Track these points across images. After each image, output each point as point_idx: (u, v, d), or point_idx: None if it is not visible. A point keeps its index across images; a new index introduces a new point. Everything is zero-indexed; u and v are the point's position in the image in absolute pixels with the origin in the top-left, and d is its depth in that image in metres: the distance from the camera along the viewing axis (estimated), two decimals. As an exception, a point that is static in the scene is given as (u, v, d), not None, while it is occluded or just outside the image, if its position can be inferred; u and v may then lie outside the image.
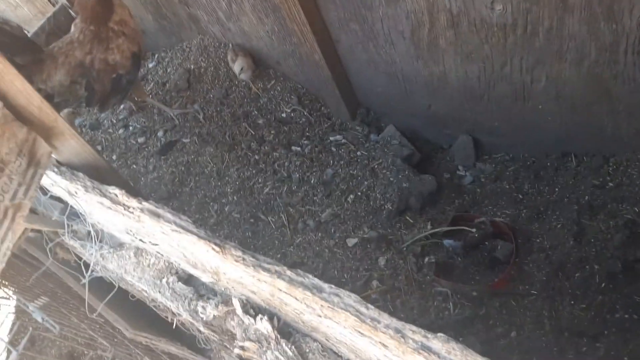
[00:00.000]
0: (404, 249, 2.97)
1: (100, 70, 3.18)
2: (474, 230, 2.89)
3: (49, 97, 3.16)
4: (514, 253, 2.75)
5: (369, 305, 1.20)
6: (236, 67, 3.65)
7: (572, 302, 2.51)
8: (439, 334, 1.11)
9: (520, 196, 3.01)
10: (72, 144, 1.67)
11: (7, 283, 2.69)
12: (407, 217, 3.10)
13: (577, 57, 2.38)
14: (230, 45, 3.76)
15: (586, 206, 2.73)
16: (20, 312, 2.61)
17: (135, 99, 3.80)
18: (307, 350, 1.50)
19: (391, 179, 3.19)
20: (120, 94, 3.37)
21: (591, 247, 2.61)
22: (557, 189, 2.91)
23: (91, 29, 3.12)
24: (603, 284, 2.48)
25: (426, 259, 2.91)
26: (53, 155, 1.72)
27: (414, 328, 1.12)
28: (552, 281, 2.60)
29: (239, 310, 1.61)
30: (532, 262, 2.72)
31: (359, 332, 1.22)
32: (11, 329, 2.60)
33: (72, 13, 4.24)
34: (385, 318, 1.17)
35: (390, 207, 3.10)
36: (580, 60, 2.39)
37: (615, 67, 2.35)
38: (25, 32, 4.89)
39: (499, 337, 2.55)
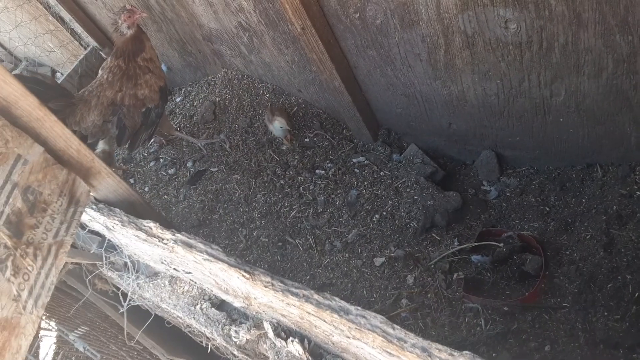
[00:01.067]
0: (432, 266, 2.98)
1: (130, 105, 3.35)
2: (501, 245, 2.89)
3: (82, 138, 3.34)
4: (543, 266, 2.73)
5: (395, 326, 1.24)
6: (275, 126, 3.59)
7: (606, 313, 2.47)
8: (465, 352, 1.14)
9: (547, 209, 3.00)
10: (109, 182, 1.77)
11: (48, 315, 2.80)
12: (434, 234, 3.12)
13: (594, 70, 2.39)
14: (269, 105, 3.82)
15: (614, 216, 2.71)
16: (62, 343, 2.72)
17: (165, 133, 3.95)
18: (338, 371, 1.54)
19: (415, 197, 3.22)
20: (149, 129, 3.53)
21: (622, 257, 2.58)
22: (584, 200, 2.89)
23: (120, 66, 3.30)
24: (636, 294, 2.44)
25: (455, 276, 2.91)
26: (91, 194, 1.82)
27: (440, 347, 1.16)
28: (584, 293, 2.57)
29: (270, 334, 1.66)
30: (562, 274, 2.70)
31: (387, 351, 1.26)
32: (54, 359, 2.70)
33: (103, 55, 4.46)
34: (412, 338, 1.21)
35: (415, 225, 3.13)
36: (598, 73, 2.40)
37: (634, 78, 2.36)
38: (59, 74, 5.15)
39: (533, 351, 2.53)
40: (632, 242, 2.59)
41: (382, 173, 3.43)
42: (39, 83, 3.19)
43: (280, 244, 3.37)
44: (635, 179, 2.75)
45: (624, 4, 2.06)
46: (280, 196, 3.54)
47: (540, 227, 2.94)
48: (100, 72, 3.42)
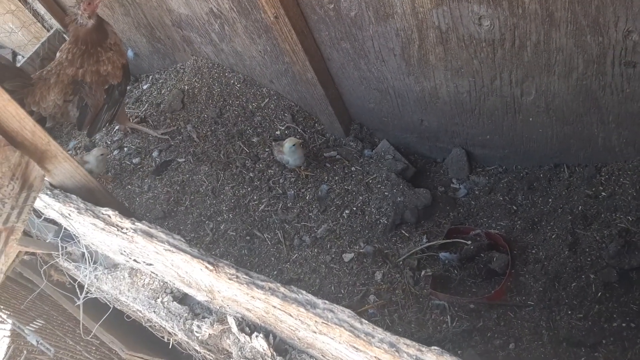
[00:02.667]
0: (400, 262, 2.97)
1: (92, 82, 3.24)
2: (469, 242, 2.90)
3: (41, 120, 3.21)
4: (509, 264, 2.75)
5: (363, 320, 1.21)
6: (287, 145, 3.26)
7: (570, 312, 2.51)
8: (433, 347, 1.11)
9: (515, 208, 3.03)
10: (66, 167, 1.68)
11: (1, 306, 2.67)
12: (403, 231, 3.11)
13: (565, 69, 2.41)
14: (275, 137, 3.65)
15: (580, 216, 2.75)
16: (15, 336, 2.58)
17: (119, 125, 3.84)
18: (303, 367, 1.49)
19: (386, 193, 3.20)
20: (112, 109, 3.41)
21: (586, 257, 2.61)
22: (550, 200, 2.93)
23: (81, 48, 3.18)
24: (599, 293, 2.48)
25: (422, 273, 2.91)
26: (46, 179, 1.72)
27: (408, 342, 1.12)
28: (549, 291, 2.60)
29: (234, 329, 1.61)
30: (528, 273, 2.73)
31: (354, 347, 1.22)
32: (6, 353, 2.57)
33: (67, 37, 4.29)
34: (379, 332, 1.17)
35: (385, 222, 3.11)
36: (569, 73, 2.43)
37: (603, 79, 2.39)
38: (20, 56, 4.94)
39: (498, 349, 2.54)
40: (597, 242, 2.63)
41: (353, 168, 3.40)
42: None
43: (248, 238, 3.30)
44: (600, 180, 2.80)
45: (596, 5, 2.07)
46: (249, 189, 3.47)
47: (507, 225, 2.97)
48: (58, 54, 3.28)
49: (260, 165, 3.54)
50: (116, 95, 3.39)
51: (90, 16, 3.08)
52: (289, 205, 3.35)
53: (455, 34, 2.47)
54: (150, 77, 4.38)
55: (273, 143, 3.49)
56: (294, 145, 3.21)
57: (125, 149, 3.93)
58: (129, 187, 3.73)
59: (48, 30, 4.33)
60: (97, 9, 3.09)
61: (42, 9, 4.16)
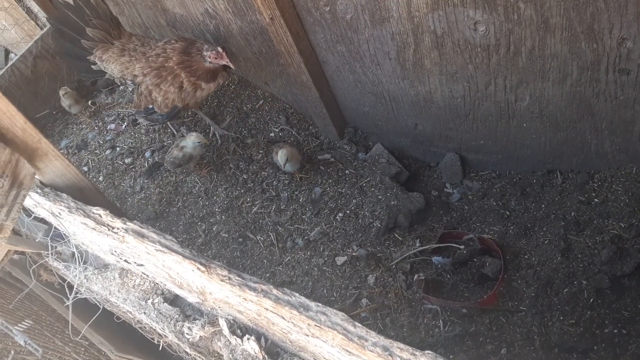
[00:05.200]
0: (393, 266, 2.96)
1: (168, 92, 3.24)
2: (462, 247, 2.90)
3: (98, 72, 3.41)
4: (502, 269, 2.75)
5: (357, 324, 1.20)
6: (280, 158, 3.26)
7: (562, 317, 2.51)
8: (427, 352, 1.11)
9: (508, 213, 3.03)
10: (56, 165, 1.66)
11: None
12: (396, 235, 3.10)
13: (559, 76, 2.42)
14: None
15: (572, 222, 2.75)
16: (2, 336, 2.55)
17: (191, 109, 3.68)
18: (295, 371, 1.48)
19: (379, 197, 3.20)
20: (154, 125, 3.51)
21: (579, 263, 2.62)
22: (543, 206, 2.93)
23: (187, 65, 3.18)
24: (591, 300, 2.49)
25: (415, 277, 2.90)
26: (36, 177, 1.70)
27: (402, 346, 1.12)
28: (541, 297, 2.60)
29: (225, 331, 1.59)
30: (520, 278, 2.73)
31: (347, 350, 1.21)
32: (-7, 354, 2.54)
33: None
34: (373, 336, 1.16)
35: (379, 225, 3.10)
36: (563, 79, 2.44)
37: (597, 86, 2.40)
38: (13, 54, 4.90)
39: (489, 354, 2.54)
40: (589, 248, 2.64)
41: (347, 171, 3.39)
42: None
43: (240, 240, 3.29)
44: (593, 186, 2.81)
45: (591, 12, 2.08)
46: (242, 191, 3.46)
47: (500, 230, 2.97)
48: (168, 46, 3.25)
49: (254, 167, 3.52)
50: (155, 116, 3.41)
51: (212, 62, 3.11)
52: (282, 207, 3.34)
53: (450, 38, 2.47)
54: (144, 77, 4.35)
55: (273, 146, 3.47)
56: (286, 158, 3.22)
57: (118, 148, 3.90)
58: (121, 187, 3.70)
59: (42, 28, 4.30)
60: (221, 63, 3.10)
61: (35, 7, 4.13)
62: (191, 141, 3.33)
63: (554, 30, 2.23)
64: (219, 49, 3.05)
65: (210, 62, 3.12)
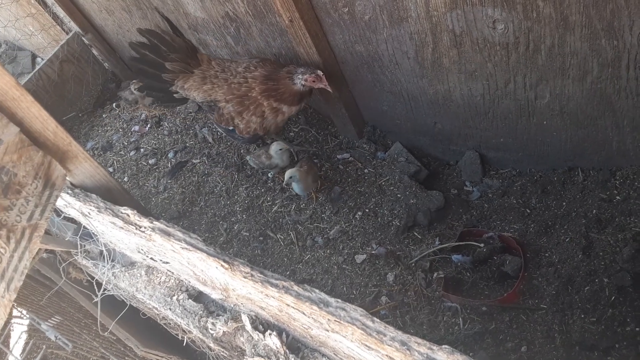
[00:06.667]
0: (413, 264, 2.98)
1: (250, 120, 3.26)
2: (482, 245, 2.90)
3: (181, 100, 3.47)
4: (522, 267, 2.75)
5: (375, 319, 1.23)
6: (286, 175, 3.22)
7: (583, 315, 2.50)
8: (444, 346, 1.13)
9: (528, 211, 3.02)
10: (86, 167, 1.73)
11: (21, 303, 2.74)
12: (415, 233, 3.12)
13: (579, 73, 2.41)
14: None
15: (594, 220, 2.73)
16: (33, 331, 2.65)
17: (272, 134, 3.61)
18: (316, 365, 1.52)
19: (399, 195, 3.22)
20: (235, 139, 3.53)
21: (600, 261, 2.60)
22: (564, 203, 2.92)
23: (273, 90, 3.16)
24: (613, 297, 2.47)
25: (435, 275, 2.91)
26: (67, 178, 1.77)
27: (419, 340, 1.14)
28: (562, 295, 2.59)
29: (248, 326, 1.63)
30: (541, 276, 2.72)
31: (366, 345, 1.24)
32: (24, 348, 2.63)
33: (85, 40, 4.36)
34: (391, 331, 1.19)
35: (398, 224, 3.12)
36: (583, 77, 2.42)
37: (618, 82, 2.38)
38: (40, 59, 5.04)
39: (509, 352, 2.54)
40: (610, 246, 2.61)
41: (366, 170, 3.41)
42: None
43: (261, 238, 3.34)
44: (615, 183, 2.78)
45: (611, 8, 2.07)
46: (262, 190, 3.51)
47: (520, 228, 2.96)
48: (249, 74, 3.22)
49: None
50: (255, 138, 3.43)
51: (305, 85, 3.07)
52: (302, 206, 3.38)
53: (469, 37, 2.48)
54: (167, 79, 4.43)
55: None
56: (290, 176, 3.18)
57: (142, 149, 3.99)
58: (145, 187, 3.79)
59: (67, 33, 4.42)
60: (319, 86, 3.06)
61: (61, 12, 4.24)
62: (274, 151, 3.35)
63: (573, 28, 2.22)
64: (319, 73, 2.99)
65: (302, 85, 3.06)
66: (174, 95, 3.42)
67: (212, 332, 1.79)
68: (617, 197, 2.75)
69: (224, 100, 3.26)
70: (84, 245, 2.08)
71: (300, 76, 3.04)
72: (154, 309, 2.12)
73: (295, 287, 1.35)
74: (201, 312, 1.85)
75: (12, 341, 2.56)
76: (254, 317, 1.65)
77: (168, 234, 1.58)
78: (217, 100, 3.29)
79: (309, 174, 3.25)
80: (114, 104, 4.46)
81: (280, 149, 3.34)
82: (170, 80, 3.33)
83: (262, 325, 1.64)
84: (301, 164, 3.31)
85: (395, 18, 2.58)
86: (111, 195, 1.85)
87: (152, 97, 3.78)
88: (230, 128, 3.34)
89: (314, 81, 3.02)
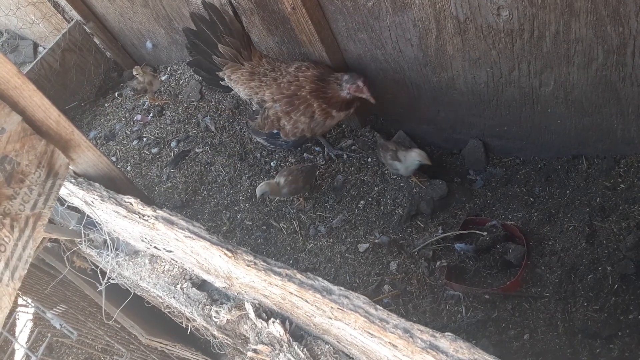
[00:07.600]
0: (415, 253, 2.98)
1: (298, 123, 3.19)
2: (485, 233, 2.90)
3: (224, 88, 3.37)
4: (525, 256, 2.75)
5: (378, 307, 1.23)
6: (412, 158, 3.09)
7: (585, 303, 2.50)
8: (447, 333, 1.13)
9: (532, 199, 3.01)
10: (89, 156, 1.73)
11: (25, 292, 2.76)
12: (418, 222, 3.12)
13: (584, 60, 2.39)
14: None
15: (598, 208, 2.73)
16: (38, 319, 2.67)
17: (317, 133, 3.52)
18: (319, 353, 1.52)
19: (401, 184, 3.21)
20: (278, 145, 3.45)
21: (603, 249, 2.60)
22: (568, 192, 2.91)
23: (321, 95, 3.10)
24: (616, 286, 2.47)
25: (438, 263, 2.92)
26: (70, 167, 1.77)
27: (422, 327, 1.15)
28: (565, 283, 2.59)
29: (251, 314, 1.64)
30: (544, 264, 2.72)
31: (369, 332, 1.25)
32: (30, 336, 2.65)
33: (87, 29, 4.35)
34: (394, 318, 1.19)
35: (401, 212, 3.12)
36: (588, 64, 2.40)
37: (623, 70, 2.36)
38: (41, 48, 5.02)
39: (512, 339, 2.55)
40: (614, 235, 2.61)
41: (369, 159, 3.41)
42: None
43: (264, 227, 3.35)
44: (619, 172, 2.77)
45: (617, -6, 2.05)
46: (266, 179, 3.51)
47: (524, 217, 2.96)
48: (300, 74, 3.13)
49: (277, 155, 3.57)
50: (280, 142, 3.38)
51: (349, 93, 3.04)
52: (305, 195, 3.38)
53: (473, 24, 2.46)
54: (169, 68, 4.43)
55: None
56: (419, 161, 3.05)
57: (145, 139, 3.99)
58: (148, 176, 3.79)
59: (69, 22, 4.40)
60: (361, 96, 3.03)
61: (62, 1, 4.23)
62: (411, 159, 3.08)
63: (578, 14, 2.20)
64: (360, 83, 2.96)
65: (347, 93, 3.04)
66: (220, 82, 3.34)
67: (215, 320, 1.80)
68: (621, 185, 2.74)
69: (271, 99, 3.18)
70: (88, 234, 2.09)
71: (344, 84, 3.01)
72: (158, 297, 2.13)
73: (299, 276, 1.35)
74: (205, 300, 1.86)
75: (17, 329, 2.58)
76: (257, 305, 1.66)
77: (171, 223, 1.58)
78: (264, 100, 3.21)
79: (296, 182, 3.19)
80: (116, 93, 4.45)
81: (419, 161, 3.06)
82: (220, 64, 3.23)
83: (265, 313, 1.64)
84: (289, 172, 3.23)
85: (398, 5, 2.56)
86: (114, 184, 1.86)
87: (198, 75, 3.61)
88: (275, 131, 3.26)
89: (355, 91, 3.00)
